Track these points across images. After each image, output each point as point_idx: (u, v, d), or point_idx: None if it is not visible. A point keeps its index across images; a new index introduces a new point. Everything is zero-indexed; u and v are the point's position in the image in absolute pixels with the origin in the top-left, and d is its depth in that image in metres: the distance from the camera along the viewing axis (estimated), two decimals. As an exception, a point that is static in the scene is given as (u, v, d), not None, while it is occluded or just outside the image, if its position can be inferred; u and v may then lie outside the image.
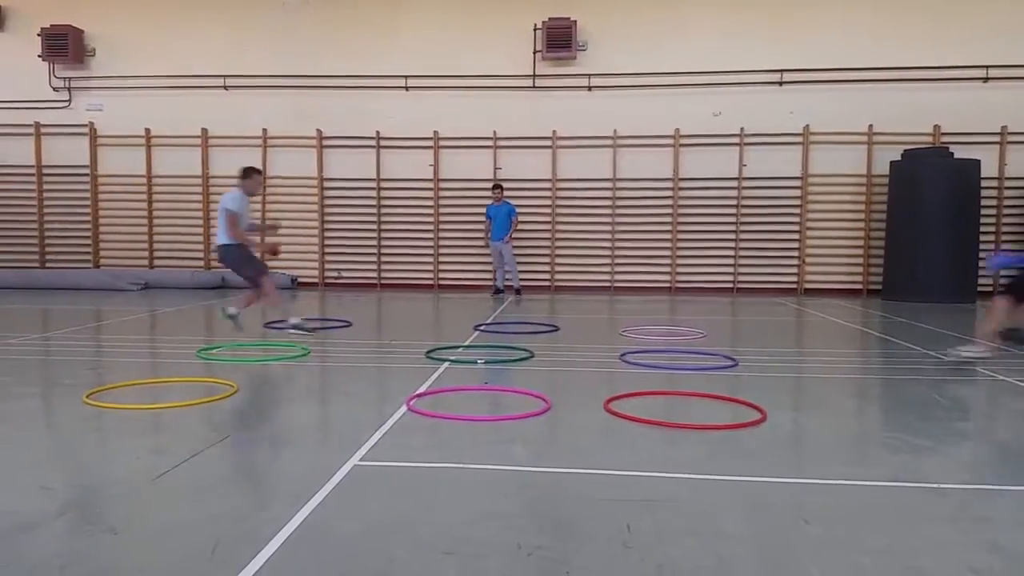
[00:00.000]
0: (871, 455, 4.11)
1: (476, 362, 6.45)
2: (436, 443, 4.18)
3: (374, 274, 14.31)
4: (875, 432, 4.78)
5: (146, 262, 14.58)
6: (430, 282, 14.23)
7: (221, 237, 8.13)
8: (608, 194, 13.90)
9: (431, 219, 14.18)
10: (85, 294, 12.81)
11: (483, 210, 13.76)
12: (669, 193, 13.81)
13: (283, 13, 14.07)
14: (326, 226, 14.39)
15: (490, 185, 13.81)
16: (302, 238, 14.38)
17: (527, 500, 3.40)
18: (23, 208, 14.73)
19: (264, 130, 14.27)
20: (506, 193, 13.42)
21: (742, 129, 13.55)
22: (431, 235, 14.21)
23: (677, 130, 13.65)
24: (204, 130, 14.33)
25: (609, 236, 13.97)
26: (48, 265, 14.67)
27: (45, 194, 14.73)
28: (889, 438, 4.48)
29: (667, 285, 13.92)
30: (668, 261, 13.89)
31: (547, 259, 14.00)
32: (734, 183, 13.65)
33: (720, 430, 4.43)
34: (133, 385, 5.55)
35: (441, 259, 14.27)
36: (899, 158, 12.77)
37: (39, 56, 14.22)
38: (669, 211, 13.83)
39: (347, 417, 5.01)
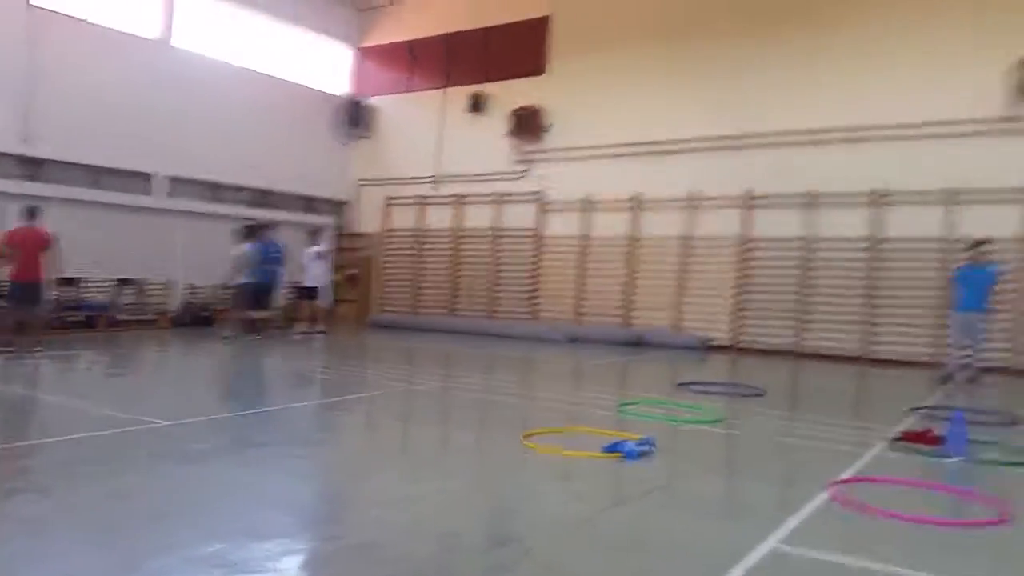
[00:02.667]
0: None
1: (951, 458, 5.47)
2: (865, 539, 3.74)
3: (791, 340, 13.60)
4: None
5: (574, 316, 15.90)
6: (856, 354, 13.02)
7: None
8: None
9: (864, 282, 13.03)
10: (522, 343, 14.41)
11: (932, 273, 12.29)
12: None
13: (721, 72, 14.33)
14: (744, 287, 14.17)
15: (940, 245, 12.28)
16: (717, 299, 14.34)
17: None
18: (480, 265, 17.24)
19: (690, 192, 14.65)
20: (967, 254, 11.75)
21: None
22: (863, 300, 13.04)
23: None
24: (637, 194, 15.26)
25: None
26: (495, 315, 16.87)
27: (498, 254, 17.07)
28: None
29: None
30: None
31: (1007, 334, 11.81)
32: None
33: None
34: (560, 431, 6.02)
35: (875, 328, 12.96)
36: None
37: (506, 134, 16.65)
38: None
39: (762, 493, 4.78)
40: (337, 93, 18.83)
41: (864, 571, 3.32)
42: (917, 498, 4.63)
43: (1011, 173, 11.92)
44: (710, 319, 14.39)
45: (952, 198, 12.36)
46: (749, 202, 14.12)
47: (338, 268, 18.30)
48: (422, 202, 18.04)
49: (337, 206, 19.00)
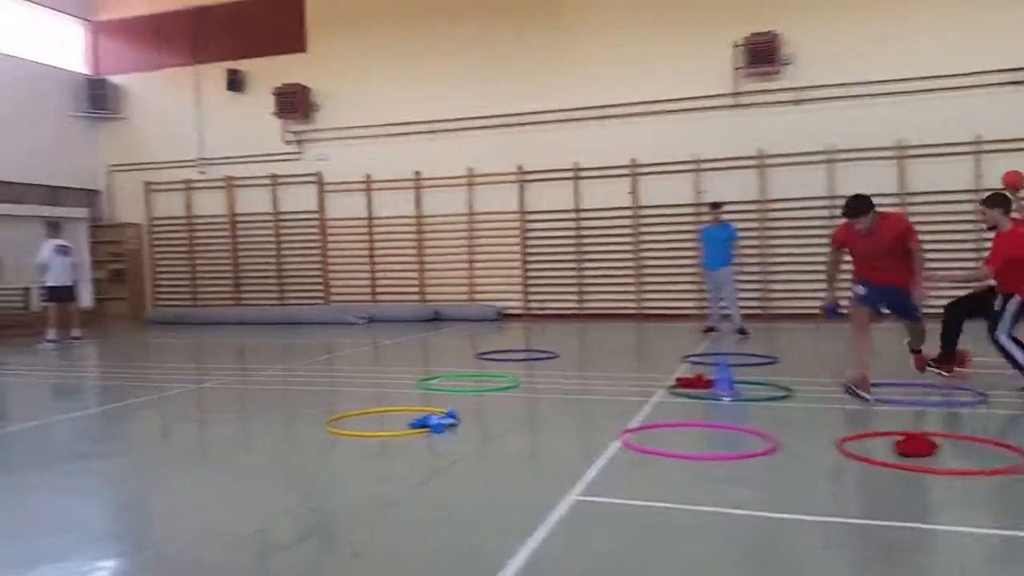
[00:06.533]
0: None
1: (722, 399, 6.09)
2: (655, 481, 4.08)
3: (575, 304, 14.42)
4: None
5: (370, 297, 15.71)
6: (633, 312, 14.08)
7: None
8: (824, 213, 13.04)
9: (631, 247, 14.07)
10: (318, 328, 14.01)
11: (688, 235, 13.45)
12: (893, 209, 12.71)
13: (488, 53, 14.66)
14: (528, 258, 14.74)
15: (693, 210, 13.51)
16: (506, 271, 14.83)
17: (755, 547, 3.21)
18: (264, 251, 16.47)
19: (469, 169, 14.96)
20: (707, 217, 13.03)
21: (978, 136, 12.22)
22: (632, 264, 14.09)
23: (900, 140, 12.59)
24: (417, 172, 15.28)
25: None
26: (286, 302, 16.24)
27: (281, 238, 16.39)
28: None
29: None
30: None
31: (758, 285, 13.36)
32: (970, 196, 12.31)
33: (984, 476, 3.93)
34: (365, 414, 5.95)
35: (644, 288, 14.09)
36: None
37: (273, 114, 15.93)
38: (892, 229, 12.72)
39: (562, 450, 5.04)
40: (76, 71, 16.94)
41: (651, 509, 3.62)
42: (697, 438, 5.11)
43: (740, 143, 13.36)
44: (502, 289, 14.84)
45: (697, 167, 13.66)
46: (523, 177, 14.67)
47: (99, 264, 16.66)
48: (189, 187, 16.83)
49: (88, 195, 17.16)
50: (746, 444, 4.77)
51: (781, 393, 6.25)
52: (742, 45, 13.11)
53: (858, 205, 6.16)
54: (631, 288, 14.14)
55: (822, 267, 12.99)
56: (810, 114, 13.07)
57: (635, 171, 13.98)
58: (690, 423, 5.37)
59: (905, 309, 6.36)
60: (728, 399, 6.07)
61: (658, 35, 13.79)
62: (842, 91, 12.87)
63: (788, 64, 13.05)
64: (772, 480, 4.10)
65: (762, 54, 12.95)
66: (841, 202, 12.61)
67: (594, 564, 3.04)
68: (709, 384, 6.39)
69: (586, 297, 14.43)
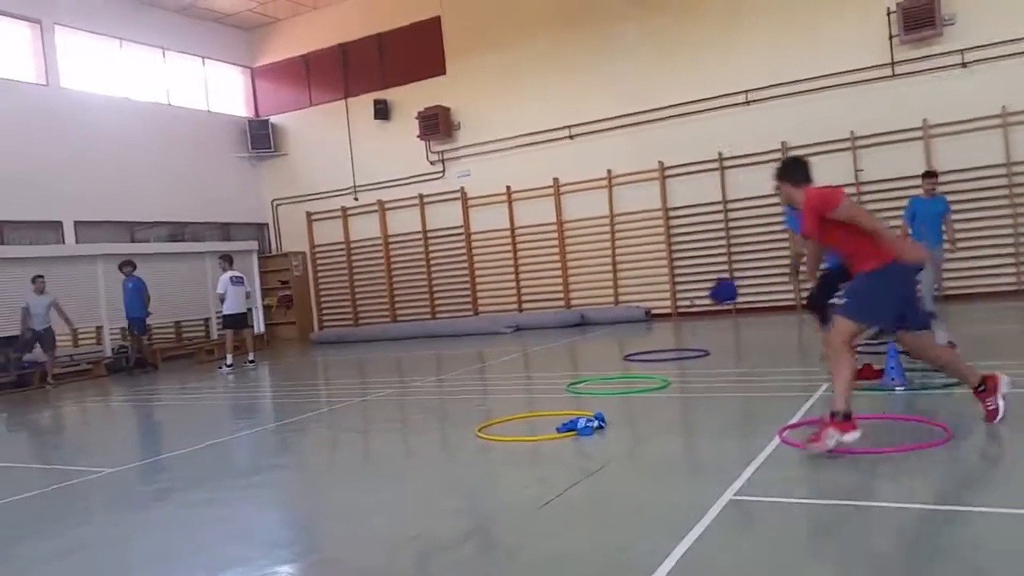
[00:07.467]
0: None
1: (894, 389, 5.70)
2: (816, 477, 3.85)
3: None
4: None
5: (516, 306, 15.95)
6: (791, 303, 13.40)
7: None
8: (1002, 182, 11.87)
9: (786, 235, 13.41)
10: (468, 339, 14.37)
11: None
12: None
13: (620, 51, 14.53)
14: (674, 255, 14.41)
15: (853, 190, 12.72)
16: (652, 270, 14.57)
17: (932, 542, 2.95)
18: (415, 269, 17.14)
19: (608, 170, 14.85)
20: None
21: None
22: (788, 252, 13.41)
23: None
24: (555, 179, 15.36)
25: (1011, 233, 11.90)
26: (437, 316, 16.80)
27: (431, 255, 16.98)
28: None
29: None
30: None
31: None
32: None
33: None
34: (515, 419, 6.02)
35: (804, 276, 13.36)
36: None
37: (417, 136, 16.56)
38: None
39: (716, 449, 4.87)
40: (239, 115, 18.42)
41: (812, 507, 3.41)
42: (863, 431, 4.77)
43: (902, 115, 12.42)
44: (649, 289, 14.61)
45: (852, 144, 12.82)
46: (664, 173, 14.37)
47: (269, 291, 17.93)
48: (345, 214, 17.80)
49: (256, 228, 18.59)
50: (918, 435, 4.40)
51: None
52: (896, 11, 12.24)
53: (780, 167, 4.51)
54: (787, 277, 13.45)
55: (1000, 242, 11.98)
56: (980, 76, 12.01)
57: (786, 154, 13.34)
58: (856, 416, 5.02)
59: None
60: (900, 389, 5.64)
61: (803, 11, 13.12)
62: (1015, 47, 11.70)
63: (950, 24, 12.05)
64: (948, 473, 3.77)
65: (920, 17, 12.04)
66: (1021, 169, 11.63)
67: (749, 564, 2.90)
68: (878, 374, 5.96)
69: (739, 291, 13.88)
